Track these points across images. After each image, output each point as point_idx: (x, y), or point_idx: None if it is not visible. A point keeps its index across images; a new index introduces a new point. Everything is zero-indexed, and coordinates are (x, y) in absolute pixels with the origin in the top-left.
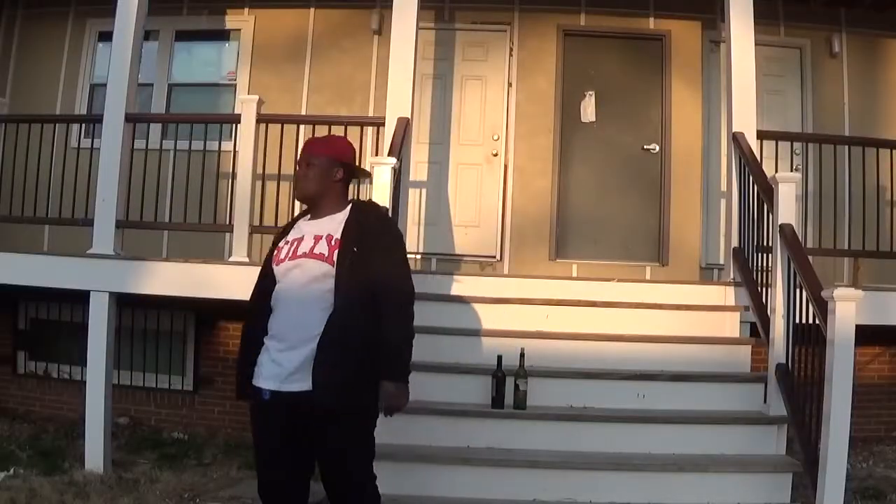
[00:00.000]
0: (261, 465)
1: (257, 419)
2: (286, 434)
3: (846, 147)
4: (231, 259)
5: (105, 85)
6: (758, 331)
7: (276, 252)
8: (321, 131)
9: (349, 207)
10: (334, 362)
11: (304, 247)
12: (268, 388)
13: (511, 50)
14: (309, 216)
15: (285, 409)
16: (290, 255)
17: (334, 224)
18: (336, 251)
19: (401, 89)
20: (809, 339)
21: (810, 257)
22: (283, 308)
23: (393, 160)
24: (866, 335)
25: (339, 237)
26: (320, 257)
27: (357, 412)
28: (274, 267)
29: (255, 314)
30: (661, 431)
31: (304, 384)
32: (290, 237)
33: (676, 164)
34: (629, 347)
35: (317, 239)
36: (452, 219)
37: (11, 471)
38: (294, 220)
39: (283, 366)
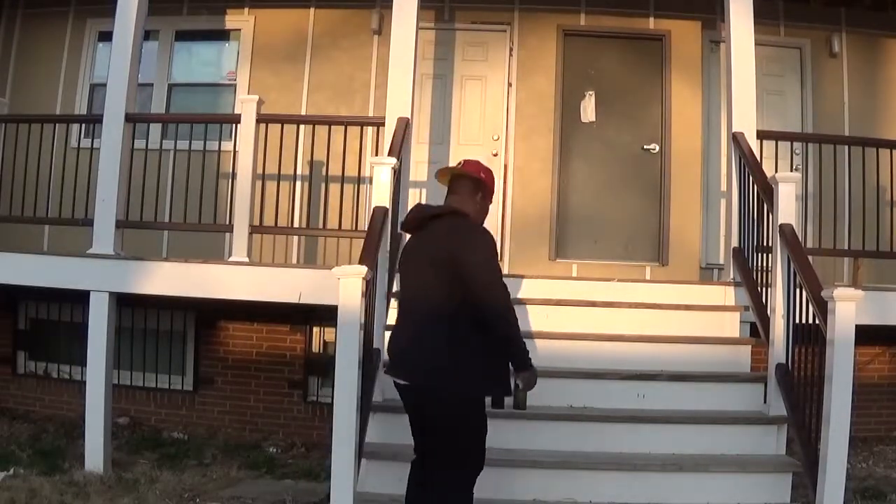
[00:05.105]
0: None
1: None
2: None
3: (846, 147)
4: (231, 259)
5: (105, 85)
6: (758, 331)
7: None
8: (321, 131)
9: None
10: None
11: None
12: None
13: (511, 50)
14: None
15: None
16: None
17: None
18: None
19: (401, 89)
20: (809, 339)
21: (810, 257)
22: None
23: (393, 160)
24: (866, 335)
25: None
26: None
27: None
28: None
29: None
30: (661, 431)
31: None
32: None
33: (676, 163)
34: (629, 347)
35: None
36: None
37: (11, 471)
38: None
39: None
